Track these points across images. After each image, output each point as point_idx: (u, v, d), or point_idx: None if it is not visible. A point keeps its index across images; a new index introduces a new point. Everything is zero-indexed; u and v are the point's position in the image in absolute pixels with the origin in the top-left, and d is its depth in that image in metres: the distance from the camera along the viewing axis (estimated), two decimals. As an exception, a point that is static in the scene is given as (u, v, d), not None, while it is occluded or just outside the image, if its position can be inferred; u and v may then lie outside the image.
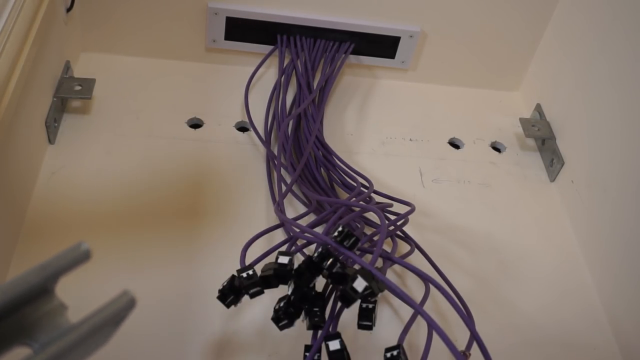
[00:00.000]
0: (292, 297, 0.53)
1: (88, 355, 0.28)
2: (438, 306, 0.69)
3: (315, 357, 0.54)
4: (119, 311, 0.28)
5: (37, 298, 0.27)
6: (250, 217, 0.75)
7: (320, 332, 0.54)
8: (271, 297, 0.57)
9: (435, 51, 0.97)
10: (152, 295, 0.64)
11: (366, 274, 0.49)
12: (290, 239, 0.65)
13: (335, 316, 0.55)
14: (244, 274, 0.55)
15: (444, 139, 0.92)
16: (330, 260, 0.52)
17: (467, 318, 0.55)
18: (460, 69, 0.99)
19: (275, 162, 0.78)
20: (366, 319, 0.52)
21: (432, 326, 0.49)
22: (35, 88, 0.71)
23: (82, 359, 0.28)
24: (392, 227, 0.68)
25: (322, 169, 0.79)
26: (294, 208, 0.77)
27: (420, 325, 0.63)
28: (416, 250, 0.69)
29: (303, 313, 0.54)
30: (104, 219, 0.72)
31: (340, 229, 0.53)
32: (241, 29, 0.91)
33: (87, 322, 0.27)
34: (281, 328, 0.54)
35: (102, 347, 0.29)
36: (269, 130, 0.84)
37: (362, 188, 0.73)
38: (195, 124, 0.86)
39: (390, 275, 0.71)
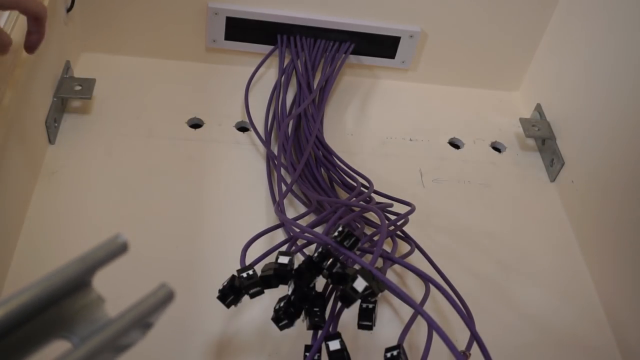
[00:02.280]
0: (292, 297, 0.53)
1: (126, 349, 0.28)
2: (438, 306, 0.69)
3: (315, 357, 0.54)
4: (157, 304, 0.28)
5: (75, 291, 0.27)
6: (250, 217, 0.75)
7: (320, 332, 0.54)
8: (271, 297, 0.57)
9: (436, 51, 0.97)
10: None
11: (366, 274, 0.49)
12: (290, 239, 0.65)
13: (335, 316, 0.55)
14: (244, 274, 0.55)
15: (444, 139, 0.92)
16: (330, 260, 0.52)
17: (467, 318, 0.55)
18: (460, 69, 0.99)
19: (275, 162, 0.78)
20: (366, 319, 0.52)
21: (432, 326, 0.49)
22: (35, 88, 0.71)
23: (120, 354, 0.28)
24: (392, 227, 0.68)
25: (322, 169, 0.79)
26: (294, 208, 0.77)
27: (420, 325, 0.63)
28: (416, 250, 0.69)
29: (303, 313, 0.54)
30: (104, 219, 0.72)
31: (340, 229, 0.53)
32: (241, 29, 0.91)
33: (126, 316, 0.27)
34: (281, 328, 0.54)
35: (139, 341, 0.29)
36: (269, 130, 0.84)
37: (362, 188, 0.73)
38: (195, 124, 0.86)
39: (390, 275, 0.71)
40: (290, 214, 0.75)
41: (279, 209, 0.70)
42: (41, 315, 0.25)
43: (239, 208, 0.76)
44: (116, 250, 0.28)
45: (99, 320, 0.27)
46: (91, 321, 0.27)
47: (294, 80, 0.91)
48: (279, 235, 0.71)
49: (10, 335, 0.24)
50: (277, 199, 0.74)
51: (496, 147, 0.93)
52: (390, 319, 0.68)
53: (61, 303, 0.26)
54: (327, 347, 0.52)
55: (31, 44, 0.61)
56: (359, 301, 0.51)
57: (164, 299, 0.28)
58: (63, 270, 0.26)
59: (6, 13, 0.63)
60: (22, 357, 0.25)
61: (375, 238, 0.66)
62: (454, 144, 0.92)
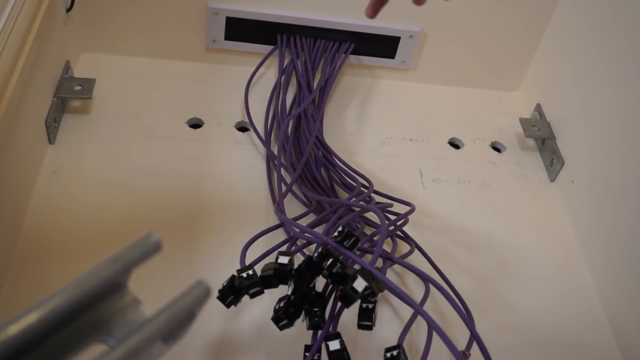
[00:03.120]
0: (292, 297, 0.53)
1: (165, 350, 0.27)
2: (438, 306, 0.69)
3: (315, 357, 0.54)
4: (194, 302, 0.27)
5: (111, 293, 0.26)
6: (250, 217, 0.75)
7: (320, 332, 0.54)
8: (271, 297, 0.57)
9: (435, 51, 0.97)
10: (152, 295, 0.64)
11: (366, 274, 0.49)
12: (290, 239, 0.65)
13: (335, 316, 0.55)
14: (244, 274, 0.55)
15: (444, 139, 0.92)
16: (330, 260, 0.52)
17: (467, 318, 0.55)
18: (461, 69, 0.99)
19: (275, 162, 0.78)
20: (366, 319, 0.52)
21: (432, 326, 0.49)
22: (35, 88, 0.71)
23: (160, 355, 0.27)
24: (392, 227, 0.68)
25: (322, 169, 0.79)
26: (294, 208, 0.77)
27: (420, 325, 0.63)
28: (416, 250, 0.69)
29: (303, 313, 0.54)
30: (103, 219, 0.72)
31: (340, 229, 0.53)
32: (241, 29, 0.91)
33: (163, 314, 0.26)
34: (281, 328, 0.54)
35: (179, 340, 0.28)
36: (269, 130, 0.84)
37: (362, 188, 0.73)
38: (195, 124, 0.86)
39: (390, 275, 0.71)
40: (290, 214, 0.75)
41: (279, 209, 0.70)
42: (77, 320, 0.25)
43: (239, 208, 0.76)
44: (150, 249, 0.27)
45: (136, 322, 0.26)
46: (128, 323, 0.26)
47: (293, 80, 0.91)
48: (279, 235, 0.71)
49: (47, 341, 0.23)
50: (277, 199, 0.74)
51: (496, 147, 0.93)
52: (390, 319, 0.68)
53: (97, 307, 0.26)
54: (327, 347, 0.52)
55: (375, 5, 0.56)
56: (358, 301, 0.51)
57: (202, 296, 0.27)
58: (94, 272, 0.25)
59: (6, 13, 0.63)
60: None
61: (375, 238, 0.66)
62: (454, 144, 0.92)
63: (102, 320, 0.26)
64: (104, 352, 0.23)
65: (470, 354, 0.56)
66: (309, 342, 0.56)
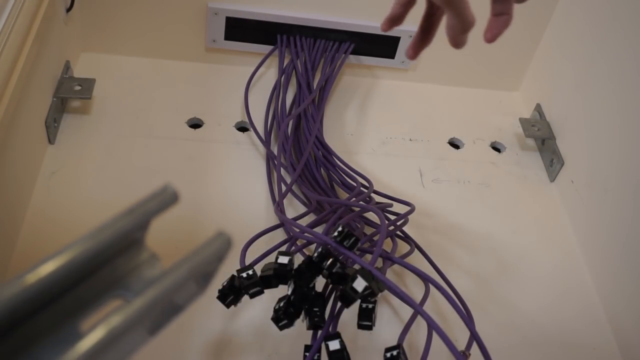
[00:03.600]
0: (292, 297, 0.53)
1: (186, 305, 0.26)
2: (438, 306, 0.69)
3: (315, 357, 0.54)
4: (216, 253, 0.25)
5: (128, 249, 0.25)
6: (250, 217, 0.75)
7: (320, 332, 0.54)
8: (271, 297, 0.57)
9: (435, 51, 0.96)
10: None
11: (366, 274, 0.49)
12: (290, 239, 0.65)
13: (335, 316, 0.55)
14: (244, 274, 0.55)
15: (444, 139, 0.92)
16: (330, 260, 0.52)
17: (467, 318, 0.55)
18: (461, 69, 0.99)
19: (275, 162, 0.78)
20: (366, 319, 0.52)
21: (432, 326, 0.49)
22: (35, 88, 0.71)
23: (180, 310, 0.25)
24: (392, 227, 0.68)
25: (322, 169, 0.79)
26: (294, 208, 0.77)
27: (420, 325, 0.63)
28: (416, 250, 0.69)
29: (303, 313, 0.54)
30: (103, 219, 0.71)
31: (340, 229, 0.53)
32: (241, 29, 0.91)
33: (182, 265, 0.24)
34: (281, 328, 0.54)
35: (200, 296, 0.27)
36: (268, 130, 0.84)
37: (362, 188, 0.73)
38: (195, 124, 0.86)
39: (390, 275, 0.71)
40: (290, 214, 0.75)
41: (279, 209, 0.70)
42: (94, 275, 0.24)
43: (239, 208, 0.76)
44: (166, 200, 0.26)
45: (154, 277, 0.25)
46: (147, 279, 0.25)
47: (293, 80, 0.91)
48: (279, 235, 0.71)
49: (64, 296, 0.23)
50: (277, 199, 0.74)
51: (496, 147, 0.93)
52: (390, 319, 0.68)
53: (114, 262, 0.24)
54: (327, 347, 0.52)
55: (497, 30, 0.51)
56: (358, 301, 0.51)
57: (223, 247, 0.25)
58: (111, 224, 0.24)
59: (6, 13, 0.63)
60: (78, 318, 0.23)
61: (375, 238, 0.66)
62: (454, 144, 0.92)
63: (120, 275, 0.25)
64: (121, 305, 0.22)
65: (470, 354, 0.56)
66: (309, 342, 0.56)
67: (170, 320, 0.26)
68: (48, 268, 0.22)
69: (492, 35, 0.51)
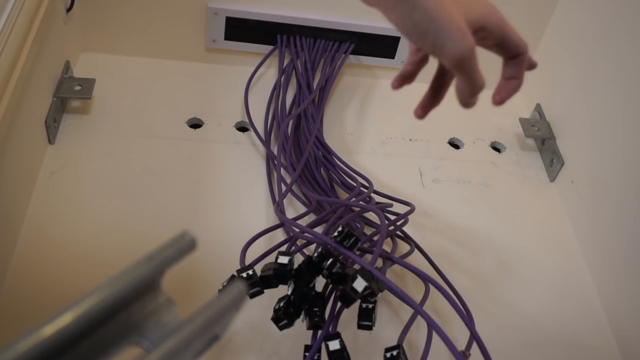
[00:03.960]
0: (292, 297, 0.53)
1: (202, 352, 0.26)
2: (438, 306, 0.69)
3: (315, 357, 0.54)
4: (231, 302, 0.26)
5: (145, 294, 0.26)
6: (250, 217, 0.75)
7: (320, 332, 0.54)
8: (271, 297, 0.57)
9: (435, 51, 0.97)
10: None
11: (366, 274, 0.49)
12: (290, 239, 0.65)
13: (335, 316, 0.55)
14: (244, 274, 0.55)
15: (444, 139, 0.92)
16: (330, 260, 0.52)
17: (467, 318, 0.55)
18: (460, 69, 0.99)
19: (275, 162, 0.78)
20: (366, 319, 0.52)
21: (432, 326, 0.49)
22: (35, 88, 0.71)
23: (196, 357, 0.26)
24: (392, 227, 0.68)
25: (322, 169, 0.79)
26: (294, 208, 0.77)
27: (420, 325, 0.63)
28: (416, 250, 0.69)
29: (303, 313, 0.54)
30: (103, 219, 0.72)
31: (340, 229, 0.53)
32: (241, 29, 0.91)
33: (199, 317, 0.24)
34: (281, 328, 0.54)
35: (217, 343, 0.28)
36: (268, 130, 0.84)
37: (362, 188, 0.73)
38: (195, 124, 0.86)
39: (390, 275, 0.71)
40: (290, 214, 0.75)
41: (279, 209, 0.70)
42: (111, 321, 0.24)
43: (239, 208, 0.76)
44: (185, 247, 0.26)
45: (170, 324, 0.26)
46: (162, 325, 0.26)
47: (293, 80, 0.91)
48: (279, 235, 0.71)
49: (81, 342, 0.23)
50: (277, 199, 0.74)
51: (496, 147, 0.93)
52: (390, 319, 0.67)
53: (131, 307, 0.25)
54: (327, 347, 0.52)
55: (506, 94, 0.50)
56: (358, 301, 0.51)
57: (238, 296, 0.26)
58: (130, 271, 0.24)
59: (6, 13, 0.63)
60: None
61: (375, 238, 0.66)
62: (454, 144, 0.92)
63: (136, 321, 0.25)
64: (139, 356, 0.23)
65: (470, 354, 0.56)
66: (309, 342, 0.56)
67: None
68: (66, 319, 0.22)
69: (500, 99, 0.50)
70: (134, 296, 0.25)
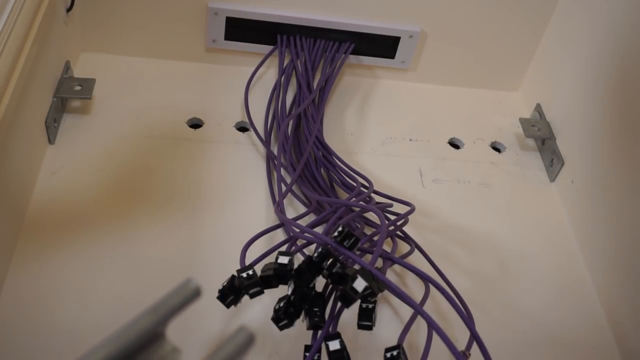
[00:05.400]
0: (292, 297, 0.53)
1: None
2: (438, 306, 0.69)
3: (315, 357, 0.54)
4: (238, 349, 0.26)
5: (150, 343, 0.26)
6: (250, 217, 0.75)
7: (320, 332, 0.54)
8: (271, 297, 0.57)
9: (435, 51, 0.97)
10: (153, 296, 0.64)
11: (366, 274, 0.49)
12: (290, 239, 0.65)
13: (335, 316, 0.55)
14: (244, 274, 0.55)
15: (444, 139, 0.92)
16: (330, 260, 0.52)
17: (467, 318, 0.55)
18: (460, 69, 0.99)
19: (275, 162, 0.78)
20: (366, 319, 0.52)
21: (432, 326, 0.49)
22: (35, 88, 0.71)
23: None
24: (392, 227, 0.68)
25: (322, 169, 0.79)
26: (294, 208, 0.77)
27: (420, 325, 0.63)
28: (416, 250, 0.69)
29: (303, 313, 0.54)
30: (103, 219, 0.72)
31: (340, 229, 0.53)
32: (241, 29, 0.91)
33: None
34: (281, 328, 0.54)
35: None
36: (269, 130, 0.84)
37: (362, 188, 0.73)
38: (195, 124, 0.86)
39: (390, 275, 0.71)
40: (290, 214, 0.75)
41: (279, 209, 0.70)
42: None
43: (239, 208, 0.76)
44: (189, 296, 0.26)
45: None
46: None
47: (293, 80, 0.91)
48: (279, 235, 0.71)
49: None
50: (277, 199, 0.74)
51: (496, 147, 0.93)
52: (390, 319, 0.68)
53: (135, 358, 0.25)
54: (327, 347, 0.52)
55: None
56: (358, 301, 0.51)
57: (245, 344, 0.26)
58: (136, 323, 0.25)
59: (6, 13, 0.63)
60: None
61: (375, 238, 0.66)
62: (454, 144, 0.92)
63: None
64: None
65: (470, 354, 0.56)
66: (309, 342, 0.56)
67: None
68: None
69: None
70: (139, 347, 0.25)
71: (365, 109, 0.94)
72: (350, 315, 0.55)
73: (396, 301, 0.68)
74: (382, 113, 0.94)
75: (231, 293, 0.56)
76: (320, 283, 0.55)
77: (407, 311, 0.66)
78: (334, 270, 0.52)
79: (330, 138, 0.86)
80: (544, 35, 0.96)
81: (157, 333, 0.26)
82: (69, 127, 0.81)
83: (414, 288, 0.70)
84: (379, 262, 0.58)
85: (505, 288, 0.74)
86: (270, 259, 0.57)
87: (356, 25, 0.92)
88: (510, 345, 0.68)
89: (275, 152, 0.79)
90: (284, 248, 0.63)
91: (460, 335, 0.65)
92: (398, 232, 0.70)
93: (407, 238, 0.71)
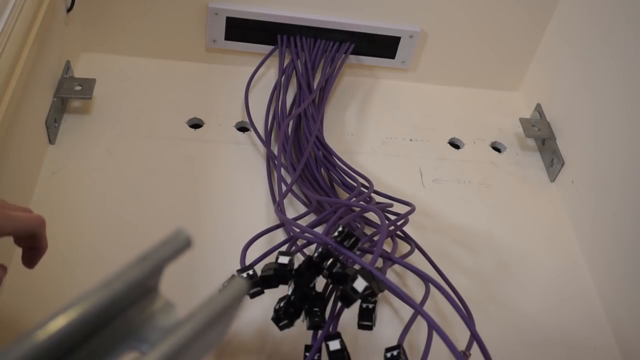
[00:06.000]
0: (292, 297, 0.53)
1: (206, 352, 0.25)
2: (438, 306, 0.69)
3: (316, 357, 0.54)
4: (232, 300, 0.24)
5: (142, 297, 0.24)
6: (251, 217, 0.75)
7: (320, 332, 0.54)
8: (271, 297, 0.57)
9: (435, 51, 0.97)
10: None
11: (366, 274, 0.49)
12: (290, 239, 0.65)
13: (335, 316, 0.55)
14: (244, 274, 0.55)
15: (444, 139, 0.92)
16: (330, 260, 0.52)
17: (467, 318, 0.55)
18: (460, 69, 0.99)
19: (275, 162, 0.78)
20: (366, 319, 0.52)
21: (432, 326, 0.49)
22: (35, 88, 0.71)
23: (199, 358, 0.25)
24: (392, 227, 0.68)
25: (322, 169, 0.79)
26: (294, 208, 0.77)
27: (420, 325, 0.63)
28: (416, 250, 0.69)
29: (303, 313, 0.54)
30: (104, 219, 0.72)
31: (340, 229, 0.53)
32: (241, 29, 0.91)
33: (199, 315, 0.23)
34: (281, 328, 0.54)
35: (220, 342, 0.26)
36: (269, 130, 0.84)
37: (362, 188, 0.73)
38: (195, 124, 0.86)
39: (390, 275, 0.71)
40: (290, 214, 0.75)
41: (279, 209, 0.70)
42: (108, 326, 0.23)
43: (239, 208, 0.76)
44: (180, 245, 0.25)
45: (170, 326, 0.24)
46: (162, 328, 0.25)
47: (294, 81, 0.91)
48: (279, 235, 0.71)
49: (78, 350, 0.22)
50: (277, 199, 0.74)
51: (496, 147, 0.93)
52: (390, 319, 0.68)
53: (128, 311, 0.24)
54: (327, 347, 0.52)
55: (31, 260, 0.52)
56: (358, 301, 0.51)
57: (239, 293, 0.25)
58: (124, 272, 0.23)
59: (6, 13, 0.63)
60: None
61: (375, 238, 0.66)
62: (454, 144, 0.92)
63: (134, 325, 0.24)
64: (136, 358, 0.22)
65: (470, 354, 0.56)
66: (309, 342, 0.56)
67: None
68: (58, 324, 0.21)
69: (29, 263, 0.51)
70: (130, 298, 0.24)
71: (366, 109, 0.94)
72: (350, 315, 0.55)
73: (396, 301, 0.68)
74: (382, 113, 0.94)
75: (231, 293, 0.56)
76: (320, 283, 0.55)
77: (407, 311, 0.65)
78: (334, 270, 0.52)
79: (331, 138, 0.86)
80: (544, 35, 0.96)
81: (150, 287, 0.25)
82: (69, 127, 0.81)
83: (414, 288, 0.70)
84: (379, 262, 0.58)
85: (506, 288, 0.74)
86: (271, 259, 0.57)
87: (356, 25, 0.92)
88: (510, 345, 0.68)
89: (276, 152, 0.79)
90: (284, 248, 0.63)
91: (460, 335, 0.65)
92: (398, 232, 0.70)
93: (407, 238, 0.71)
